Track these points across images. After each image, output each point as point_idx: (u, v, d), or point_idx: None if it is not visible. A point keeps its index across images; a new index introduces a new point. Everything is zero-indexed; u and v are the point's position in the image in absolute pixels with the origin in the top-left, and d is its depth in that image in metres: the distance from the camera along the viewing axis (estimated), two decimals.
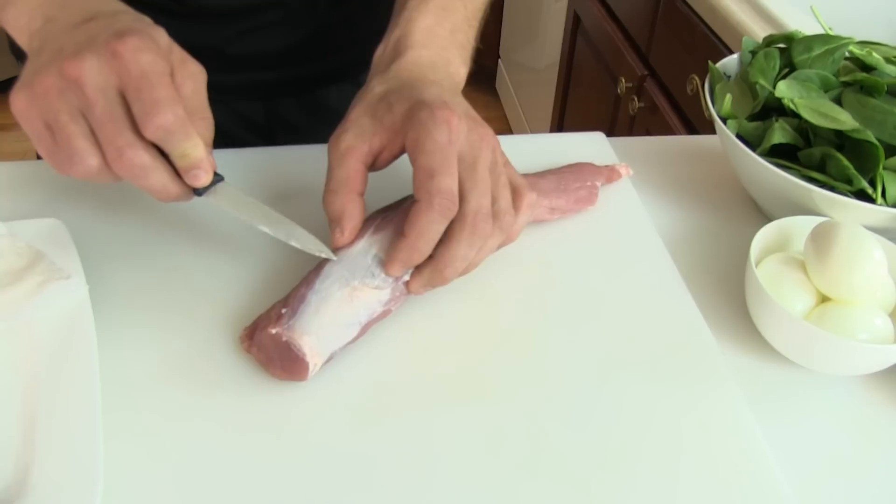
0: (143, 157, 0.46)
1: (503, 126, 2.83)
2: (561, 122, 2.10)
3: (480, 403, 0.51)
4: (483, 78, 2.99)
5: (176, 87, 0.47)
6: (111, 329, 0.54)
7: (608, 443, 0.49)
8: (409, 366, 0.53)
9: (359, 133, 0.53)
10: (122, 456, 0.46)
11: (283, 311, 0.50)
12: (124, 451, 0.47)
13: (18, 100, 0.45)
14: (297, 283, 0.53)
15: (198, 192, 0.51)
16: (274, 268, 0.59)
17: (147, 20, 0.49)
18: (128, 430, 0.48)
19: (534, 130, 2.49)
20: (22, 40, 0.50)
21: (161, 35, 0.47)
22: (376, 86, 0.55)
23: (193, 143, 0.47)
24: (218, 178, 0.52)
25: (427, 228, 0.49)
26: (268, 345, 0.49)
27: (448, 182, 0.49)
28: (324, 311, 0.50)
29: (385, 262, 0.51)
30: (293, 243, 0.52)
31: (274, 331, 0.49)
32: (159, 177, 0.47)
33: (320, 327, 0.49)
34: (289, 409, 0.50)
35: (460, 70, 0.60)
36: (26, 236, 0.58)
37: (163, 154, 0.48)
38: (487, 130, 0.53)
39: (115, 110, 0.45)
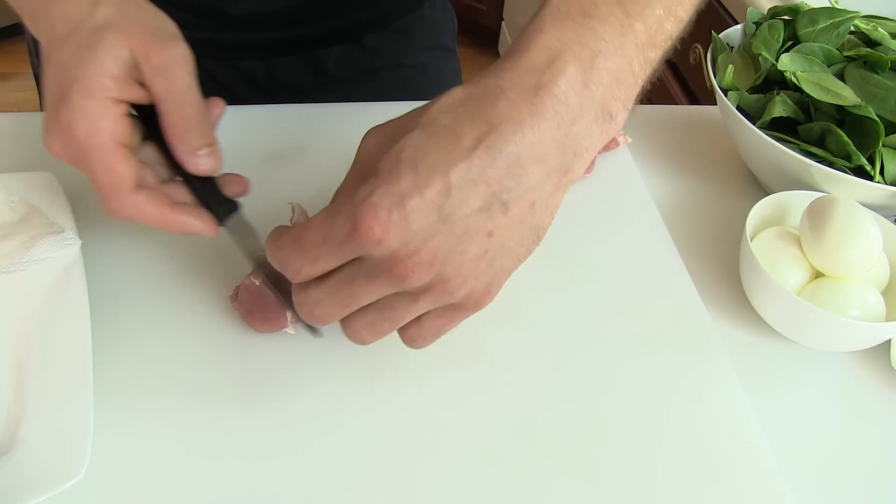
0: (131, 214, 0.46)
1: None
2: None
3: (471, 369, 0.51)
4: (486, 40, 2.96)
5: (148, 87, 0.45)
6: (103, 283, 0.54)
7: (597, 413, 0.50)
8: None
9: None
10: (113, 411, 0.47)
11: None
12: (115, 405, 0.47)
13: (52, 147, 0.45)
14: None
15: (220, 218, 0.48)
16: (273, 224, 0.59)
17: (109, 17, 0.45)
18: (119, 384, 0.48)
19: None
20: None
21: (117, 43, 0.44)
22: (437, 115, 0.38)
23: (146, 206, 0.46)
24: (234, 205, 0.49)
25: (271, 249, 0.41)
26: (247, 297, 0.49)
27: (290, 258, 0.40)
28: None
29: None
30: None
31: (251, 280, 0.49)
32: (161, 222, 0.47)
33: None
34: (283, 367, 0.50)
35: (590, 145, 0.40)
36: (20, 190, 0.57)
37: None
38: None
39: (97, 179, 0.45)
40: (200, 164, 0.46)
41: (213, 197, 0.48)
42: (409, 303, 0.39)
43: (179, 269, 0.56)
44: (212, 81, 0.79)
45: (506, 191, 0.37)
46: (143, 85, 0.45)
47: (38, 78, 0.85)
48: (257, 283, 0.49)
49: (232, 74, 0.80)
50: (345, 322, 0.41)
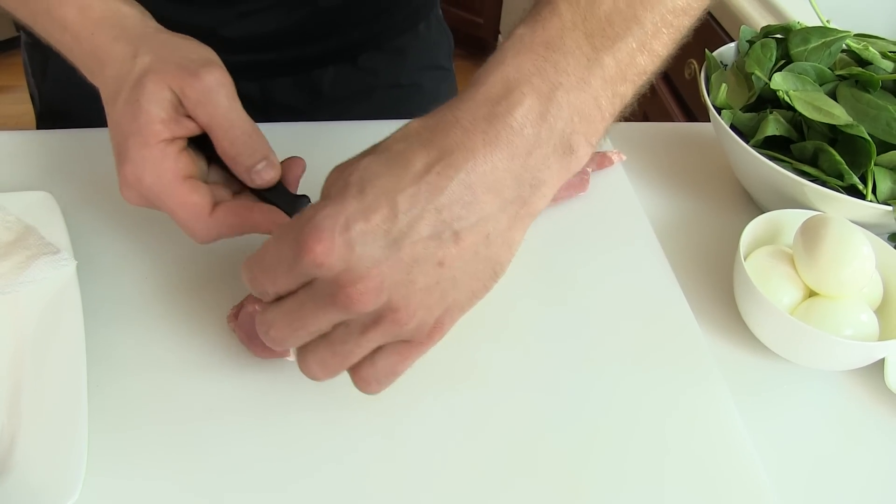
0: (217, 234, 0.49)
1: None
2: None
3: (467, 390, 0.51)
4: (483, 53, 2.95)
5: (194, 119, 0.48)
6: (98, 305, 0.54)
7: (592, 433, 0.50)
8: None
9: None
10: (107, 433, 0.47)
11: None
12: (109, 427, 0.47)
13: (130, 199, 0.49)
14: None
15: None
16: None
17: (154, 69, 0.47)
18: (113, 405, 0.48)
19: None
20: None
21: (157, 91, 0.46)
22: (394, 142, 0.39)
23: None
24: (303, 201, 0.50)
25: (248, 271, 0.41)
26: (248, 323, 0.49)
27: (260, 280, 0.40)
28: None
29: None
30: None
31: (253, 308, 0.49)
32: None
33: None
34: (277, 389, 0.50)
35: (549, 179, 0.39)
36: (16, 209, 0.58)
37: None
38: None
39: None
40: (257, 179, 0.48)
41: (281, 199, 0.50)
42: (358, 335, 0.38)
43: (175, 289, 0.56)
44: None
45: (457, 219, 0.36)
46: (191, 118, 0.48)
47: (33, 97, 0.85)
48: (252, 311, 0.49)
49: None
50: (299, 356, 0.41)
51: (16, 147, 0.67)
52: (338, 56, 0.81)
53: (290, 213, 0.49)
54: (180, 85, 0.46)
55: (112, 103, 0.48)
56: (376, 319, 0.38)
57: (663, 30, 0.41)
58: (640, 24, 0.40)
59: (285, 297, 0.39)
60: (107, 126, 0.69)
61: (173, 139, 0.47)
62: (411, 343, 0.40)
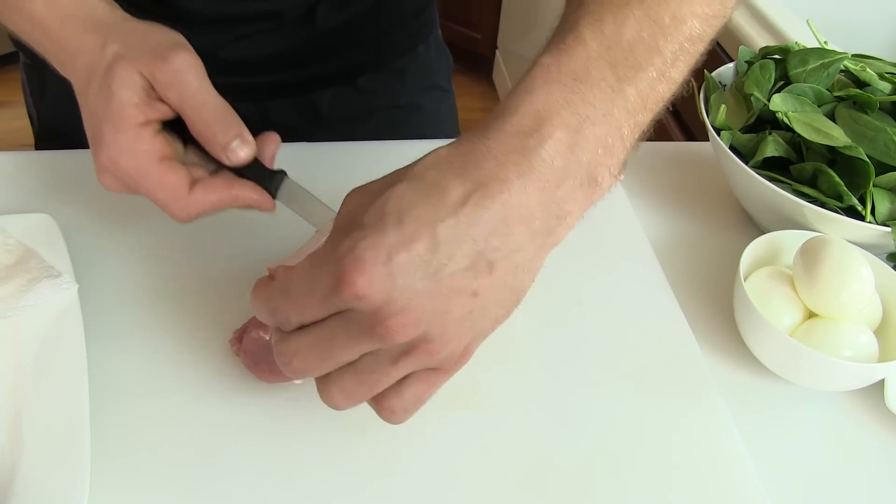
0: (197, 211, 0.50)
1: None
2: None
3: (470, 412, 0.51)
4: (481, 68, 2.98)
5: (165, 101, 0.49)
6: (100, 328, 0.54)
7: (594, 456, 0.50)
8: None
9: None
10: (110, 457, 0.47)
11: None
12: (111, 452, 0.47)
13: (106, 184, 0.50)
14: None
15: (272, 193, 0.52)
16: (271, 259, 0.59)
17: (117, 52, 0.48)
18: (115, 431, 0.48)
19: None
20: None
21: (126, 70, 0.47)
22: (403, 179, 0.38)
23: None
24: (280, 175, 0.52)
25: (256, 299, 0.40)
26: (254, 349, 0.49)
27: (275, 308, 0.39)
28: None
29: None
30: None
31: (259, 335, 0.49)
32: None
33: None
34: (279, 412, 0.50)
35: (573, 209, 0.40)
36: (16, 231, 0.58)
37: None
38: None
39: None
40: (233, 157, 0.49)
41: (258, 175, 0.51)
42: (388, 365, 0.38)
43: (177, 312, 0.56)
44: None
45: (492, 250, 0.36)
46: (163, 101, 0.49)
47: (31, 117, 0.85)
48: (267, 338, 0.49)
49: None
50: (320, 384, 0.40)
51: (15, 168, 0.67)
52: (337, 78, 0.81)
53: (268, 189, 0.51)
54: (150, 69, 0.47)
55: (84, 93, 0.49)
56: (409, 350, 0.37)
57: (681, 57, 0.42)
58: (661, 54, 0.41)
59: (310, 327, 0.38)
60: None
61: (147, 122, 0.48)
62: (439, 371, 0.40)
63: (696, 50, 0.43)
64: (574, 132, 0.38)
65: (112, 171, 0.48)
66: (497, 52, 2.93)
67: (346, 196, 0.39)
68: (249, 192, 0.51)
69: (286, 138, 0.80)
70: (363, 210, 0.37)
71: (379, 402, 0.40)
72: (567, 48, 0.40)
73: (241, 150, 0.49)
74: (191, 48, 0.49)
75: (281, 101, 0.80)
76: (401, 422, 0.41)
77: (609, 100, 0.39)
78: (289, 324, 0.38)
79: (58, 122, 0.83)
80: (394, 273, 0.35)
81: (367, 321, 0.36)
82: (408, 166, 0.38)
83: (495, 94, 2.94)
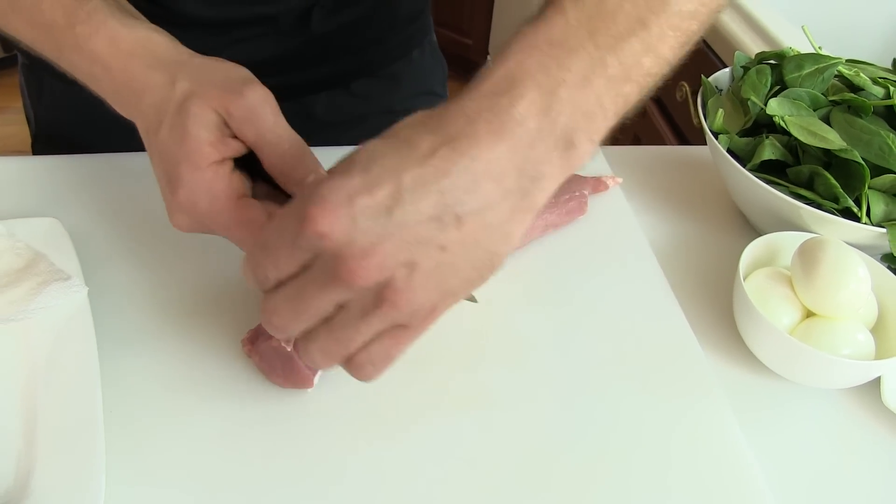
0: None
1: None
2: None
3: (474, 413, 0.52)
4: (471, 74, 2.98)
5: (241, 138, 0.48)
6: (109, 331, 0.54)
7: (597, 455, 0.51)
8: (406, 376, 0.53)
9: None
10: (123, 461, 0.47)
11: None
12: (125, 455, 0.47)
13: (182, 226, 0.49)
14: None
15: None
16: None
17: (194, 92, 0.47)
18: (128, 434, 0.49)
19: None
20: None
21: (203, 111, 0.46)
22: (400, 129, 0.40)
23: None
24: None
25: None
26: (270, 354, 0.50)
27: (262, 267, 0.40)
28: None
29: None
30: None
31: (278, 343, 0.49)
32: None
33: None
34: (289, 414, 0.51)
35: (552, 172, 0.40)
36: (24, 236, 0.58)
37: None
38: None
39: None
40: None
41: None
42: (357, 319, 0.38)
43: (188, 313, 0.56)
44: None
45: (459, 203, 0.37)
46: (237, 138, 0.48)
47: (29, 119, 0.86)
48: (289, 349, 0.49)
49: None
50: (300, 344, 0.41)
51: (22, 173, 0.68)
52: (332, 82, 0.82)
53: None
54: (225, 105, 0.46)
55: (154, 132, 0.48)
56: (376, 302, 0.38)
57: (669, 33, 0.42)
58: (646, 26, 0.41)
59: (285, 282, 0.39)
60: (105, 148, 0.70)
61: (223, 160, 0.47)
62: (406, 328, 0.40)
63: (688, 27, 0.43)
64: (548, 94, 0.38)
65: (189, 212, 0.47)
66: (489, 57, 2.94)
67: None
68: None
69: None
70: (336, 164, 0.38)
71: (350, 360, 0.41)
72: (546, 17, 0.41)
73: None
74: (261, 83, 0.49)
75: None
76: (370, 378, 0.41)
77: (587, 66, 0.39)
78: (267, 280, 0.39)
79: (56, 124, 0.83)
80: (355, 214, 0.36)
81: (332, 264, 0.36)
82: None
83: None
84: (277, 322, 0.40)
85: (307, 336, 0.40)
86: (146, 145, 0.49)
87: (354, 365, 0.41)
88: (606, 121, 0.41)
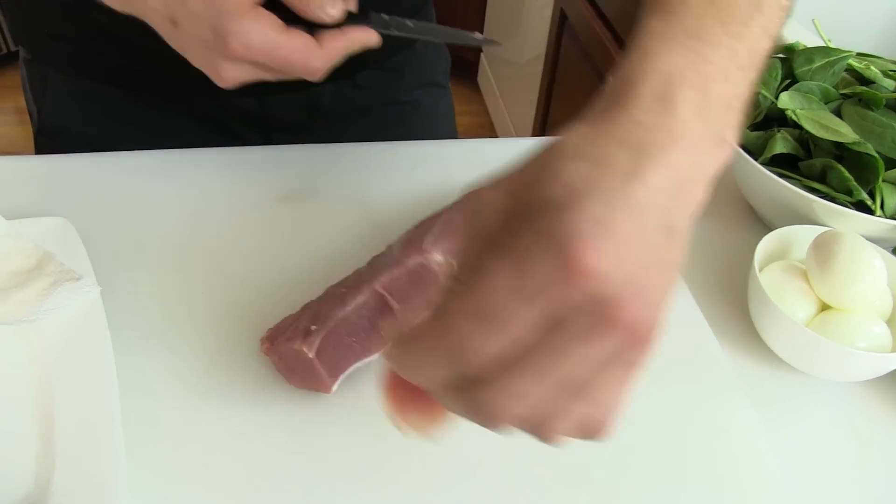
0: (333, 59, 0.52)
1: (485, 120, 2.83)
2: (545, 118, 2.11)
3: None
4: (465, 72, 2.99)
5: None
6: (124, 331, 0.53)
7: (617, 450, 0.50)
8: None
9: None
10: (142, 460, 0.47)
11: (312, 328, 0.49)
12: (142, 456, 0.47)
13: (235, 76, 0.51)
14: (326, 295, 0.53)
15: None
16: (287, 266, 0.60)
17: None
18: (146, 434, 0.48)
19: (516, 125, 2.50)
20: None
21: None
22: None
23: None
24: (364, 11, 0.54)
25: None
26: (290, 356, 0.49)
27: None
28: (351, 339, 0.51)
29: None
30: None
31: (301, 348, 0.49)
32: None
33: (347, 351, 0.50)
34: (307, 416, 0.50)
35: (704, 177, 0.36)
36: (33, 236, 0.57)
37: None
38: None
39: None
40: (327, 13, 0.51)
41: (352, 22, 0.54)
42: (604, 368, 0.32)
43: (202, 311, 0.56)
44: (205, 119, 0.79)
45: (667, 215, 0.33)
46: None
47: (31, 113, 0.85)
48: (310, 356, 0.48)
49: (225, 111, 0.80)
50: (544, 430, 0.34)
51: (29, 172, 0.67)
52: (336, 73, 0.81)
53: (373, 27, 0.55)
54: None
55: (182, 3, 0.49)
56: (632, 343, 0.32)
57: (778, 12, 0.42)
58: (760, 8, 0.40)
59: (516, 358, 0.31)
60: (107, 146, 0.69)
61: (257, 2, 0.49)
62: (634, 361, 0.34)
63: (788, 4, 0.43)
64: (701, 93, 0.36)
65: (243, 57, 0.49)
66: (482, 55, 2.94)
67: (467, 198, 0.34)
68: (356, 33, 0.53)
69: (286, 132, 0.81)
70: (519, 199, 0.32)
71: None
72: (671, 7, 0.39)
73: (334, 8, 0.51)
74: None
75: (281, 97, 0.80)
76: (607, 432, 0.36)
77: (725, 57, 0.38)
78: (477, 357, 0.31)
79: (61, 119, 0.82)
80: (618, 246, 0.30)
81: (605, 310, 0.30)
82: (542, 152, 0.34)
83: (480, 98, 2.95)
84: (524, 412, 0.32)
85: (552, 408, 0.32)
86: (164, 33, 0.50)
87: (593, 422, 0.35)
88: (741, 111, 0.39)
